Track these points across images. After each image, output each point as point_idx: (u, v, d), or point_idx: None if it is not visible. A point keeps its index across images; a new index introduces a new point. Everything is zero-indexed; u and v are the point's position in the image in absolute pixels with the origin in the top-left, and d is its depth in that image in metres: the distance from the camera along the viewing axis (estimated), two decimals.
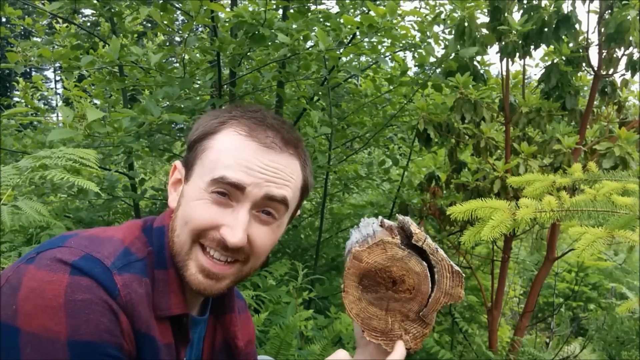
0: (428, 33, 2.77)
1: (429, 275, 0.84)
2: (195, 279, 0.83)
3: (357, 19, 2.49)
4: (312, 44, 2.70)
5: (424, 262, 0.84)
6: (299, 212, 0.97)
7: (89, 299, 0.70)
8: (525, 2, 2.66)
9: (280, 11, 3.18)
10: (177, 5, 2.74)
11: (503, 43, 2.70)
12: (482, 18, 2.84)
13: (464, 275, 0.85)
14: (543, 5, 2.61)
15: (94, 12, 3.17)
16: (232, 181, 0.80)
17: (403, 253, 0.83)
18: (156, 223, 0.89)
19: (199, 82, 3.11)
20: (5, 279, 0.73)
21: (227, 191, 0.81)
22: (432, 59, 2.87)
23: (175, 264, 0.85)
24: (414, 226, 0.86)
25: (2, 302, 0.70)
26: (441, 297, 0.85)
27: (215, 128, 0.86)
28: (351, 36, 2.95)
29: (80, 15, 4.54)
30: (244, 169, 0.81)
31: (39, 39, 4.10)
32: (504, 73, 2.87)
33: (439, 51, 3.01)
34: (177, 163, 0.92)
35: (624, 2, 2.45)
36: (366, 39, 2.65)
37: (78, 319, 0.69)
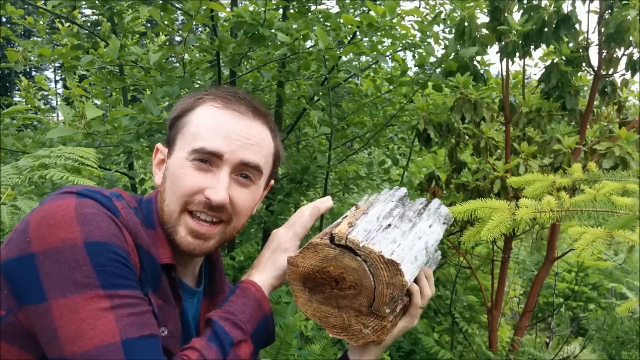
0: (428, 33, 2.78)
1: (367, 269, 0.83)
2: (185, 241, 0.90)
3: (357, 19, 2.49)
4: (312, 44, 2.70)
5: (359, 257, 0.83)
6: (272, 182, 1.05)
7: (97, 212, 0.79)
8: (525, 2, 2.65)
9: (280, 11, 3.18)
10: (177, 5, 2.73)
11: (503, 43, 2.70)
12: (482, 18, 2.85)
13: (399, 262, 0.81)
14: (543, 5, 2.61)
15: (95, 11, 3.17)
16: (210, 150, 0.89)
17: (335, 252, 0.84)
18: (146, 197, 0.98)
19: (199, 81, 3.11)
20: (14, 231, 0.80)
21: (207, 159, 0.90)
22: (432, 59, 2.86)
23: (164, 230, 0.92)
24: (333, 226, 0.87)
25: (14, 244, 0.76)
26: (384, 288, 0.83)
27: (192, 105, 0.95)
28: (351, 35, 2.95)
29: (81, 15, 4.54)
30: (221, 138, 0.90)
31: (39, 39, 4.10)
32: (504, 73, 2.87)
33: (439, 51, 3.01)
34: (159, 145, 1.00)
35: (624, 2, 2.45)
36: (366, 39, 2.65)
37: (90, 225, 0.76)
